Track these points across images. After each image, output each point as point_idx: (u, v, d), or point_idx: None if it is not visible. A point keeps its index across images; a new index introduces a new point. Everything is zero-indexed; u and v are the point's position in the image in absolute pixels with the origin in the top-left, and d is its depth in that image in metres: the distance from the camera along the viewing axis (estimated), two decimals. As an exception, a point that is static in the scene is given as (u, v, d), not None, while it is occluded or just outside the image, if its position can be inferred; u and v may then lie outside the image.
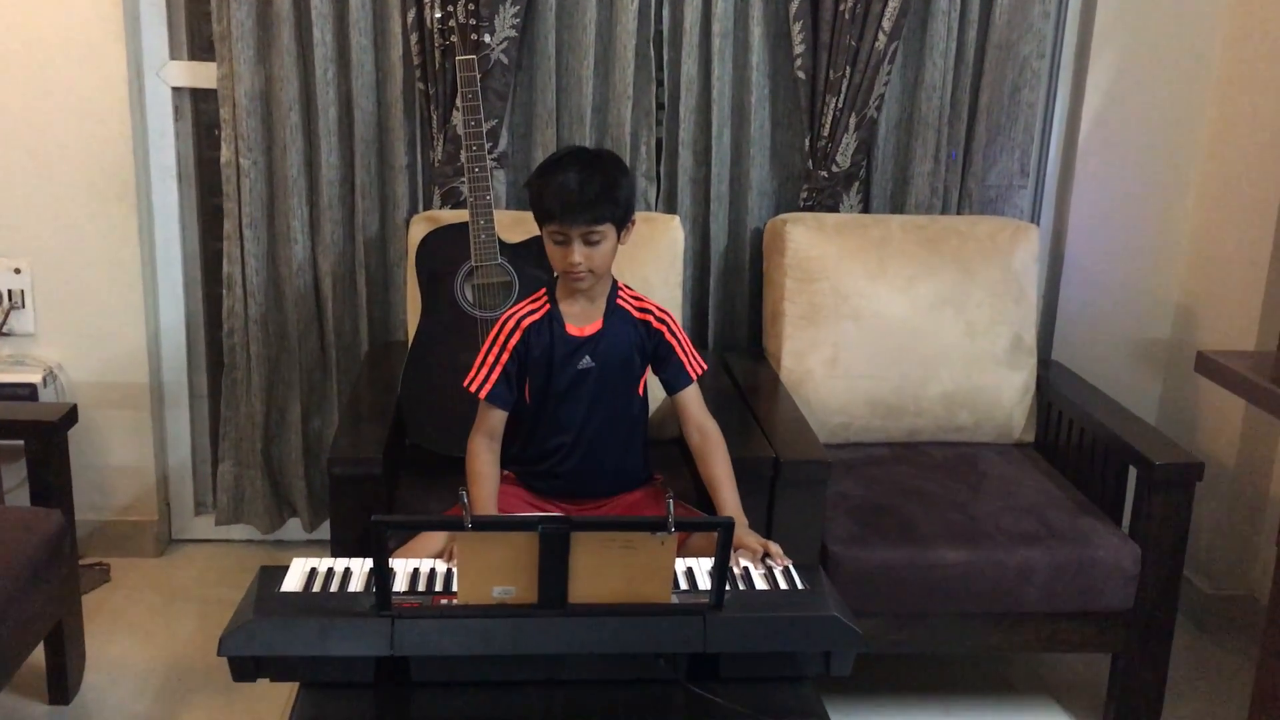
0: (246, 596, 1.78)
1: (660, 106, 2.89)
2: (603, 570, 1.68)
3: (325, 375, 3.01)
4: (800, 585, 1.87)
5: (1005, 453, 2.75)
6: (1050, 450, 2.78)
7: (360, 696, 1.71)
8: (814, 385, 2.70)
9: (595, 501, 2.22)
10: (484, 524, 1.63)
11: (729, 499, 2.10)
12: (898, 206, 2.99)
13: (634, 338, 2.19)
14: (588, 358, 2.16)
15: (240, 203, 2.86)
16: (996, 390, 2.75)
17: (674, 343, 2.20)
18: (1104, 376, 2.96)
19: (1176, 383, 3.08)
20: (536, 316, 2.16)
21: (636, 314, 2.20)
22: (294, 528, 3.16)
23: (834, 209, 2.92)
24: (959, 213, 2.98)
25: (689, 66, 2.83)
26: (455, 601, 1.71)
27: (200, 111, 2.99)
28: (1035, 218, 3.07)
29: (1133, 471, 2.42)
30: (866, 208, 2.97)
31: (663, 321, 2.20)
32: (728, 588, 1.83)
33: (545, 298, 2.18)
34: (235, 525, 3.12)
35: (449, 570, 1.87)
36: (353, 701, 1.70)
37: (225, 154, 2.84)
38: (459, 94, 2.71)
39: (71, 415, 2.35)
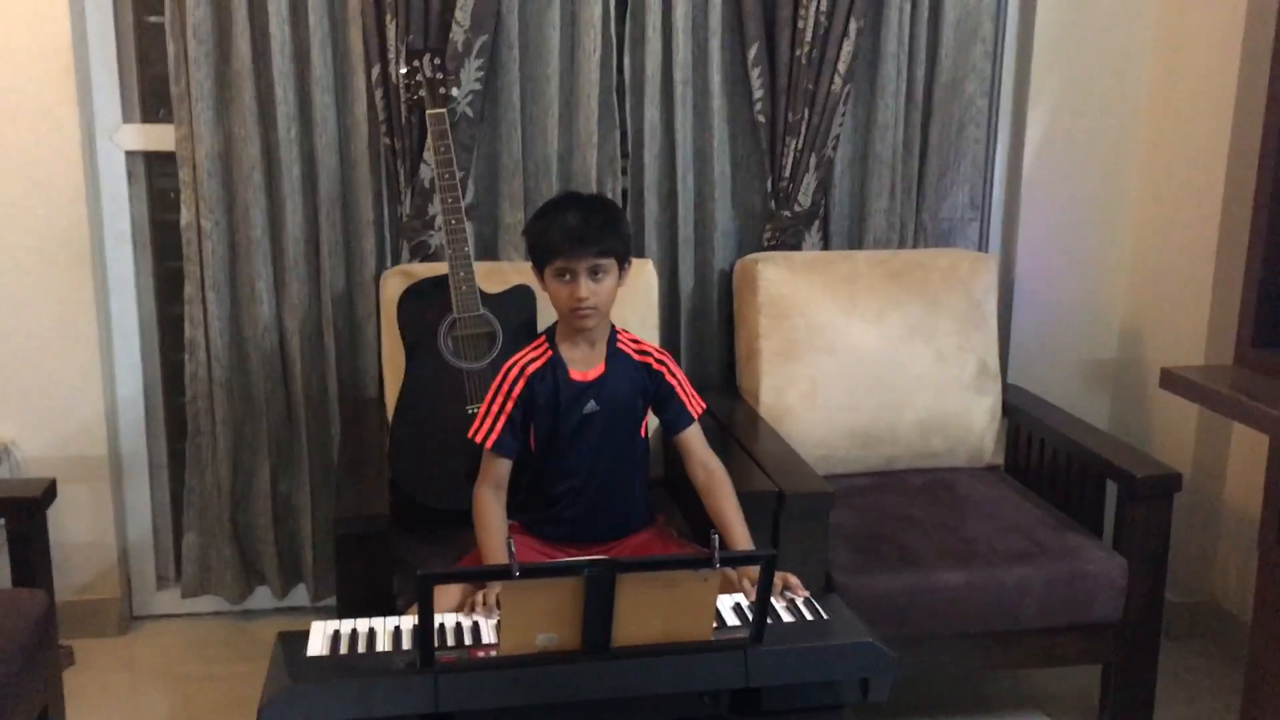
0: (273, 665, 1.73)
1: (624, 154, 2.93)
2: (645, 611, 1.68)
3: (293, 437, 2.95)
4: (825, 615, 1.90)
5: (979, 476, 2.82)
6: (1020, 471, 2.87)
7: (404, 757, 1.67)
8: (794, 419, 2.74)
9: (602, 545, 2.22)
10: (530, 571, 1.62)
11: (740, 534, 2.11)
12: (855, 242, 3.07)
13: (636, 380, 2.21)
14: (592, 402, 2.16)
15: (202, 265, 2.80)
16: (967, 415, 2.83)
17: (674, 383, 2.22)
18: (1057, 396, 3.06)
19: (1125, 399, 3.21)
20: (539, 363, 2.16)
21: (636, 356, 2.22)
22: (262, 596, 3.08)
23: (797, 247, 2.98)
24: (914, 246, 3.07)
25: (651, 113, 2.88)
26: (498, 652, 1.69)
27: (154, 175, 2.93)
28: (984, 247, 3.18)
29: (1110, 486, 2.51)
30: (826, 244, 3.04)
31: (662, 363, 2.23)
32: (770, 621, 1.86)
33: (545, 344, 2.19)
34: (201, 597, 3.03)
35: (474, 624, 1.85)
36: (397, 762, 1.66)
37: (185, 216, 2.79)
38: (427, 147, 2.72)
39: (52, 490, 2.26)
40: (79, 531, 2.92)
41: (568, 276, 2.09)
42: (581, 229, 2.07)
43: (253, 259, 2.81)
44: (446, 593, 2.05)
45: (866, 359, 2.77)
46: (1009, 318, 3.17)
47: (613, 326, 2.22)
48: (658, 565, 1.67)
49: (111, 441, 2.93)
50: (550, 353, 2.17)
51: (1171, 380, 2.51)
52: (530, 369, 2.16)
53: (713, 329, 3.02)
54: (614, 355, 2.20)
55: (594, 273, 2.09)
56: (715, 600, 1.72)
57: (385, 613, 2.09)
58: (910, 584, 2.32)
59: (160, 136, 2.85)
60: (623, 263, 2.14)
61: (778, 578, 1.97)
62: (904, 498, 2.66)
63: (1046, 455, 2.75)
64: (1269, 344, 2.49)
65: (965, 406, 2.82)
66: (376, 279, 2.85)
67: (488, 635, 1.82)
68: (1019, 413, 2.88)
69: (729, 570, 1.97)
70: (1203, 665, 2.87)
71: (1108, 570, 2.38)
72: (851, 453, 2.78)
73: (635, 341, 2.24)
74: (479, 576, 1.86)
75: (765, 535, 2.25)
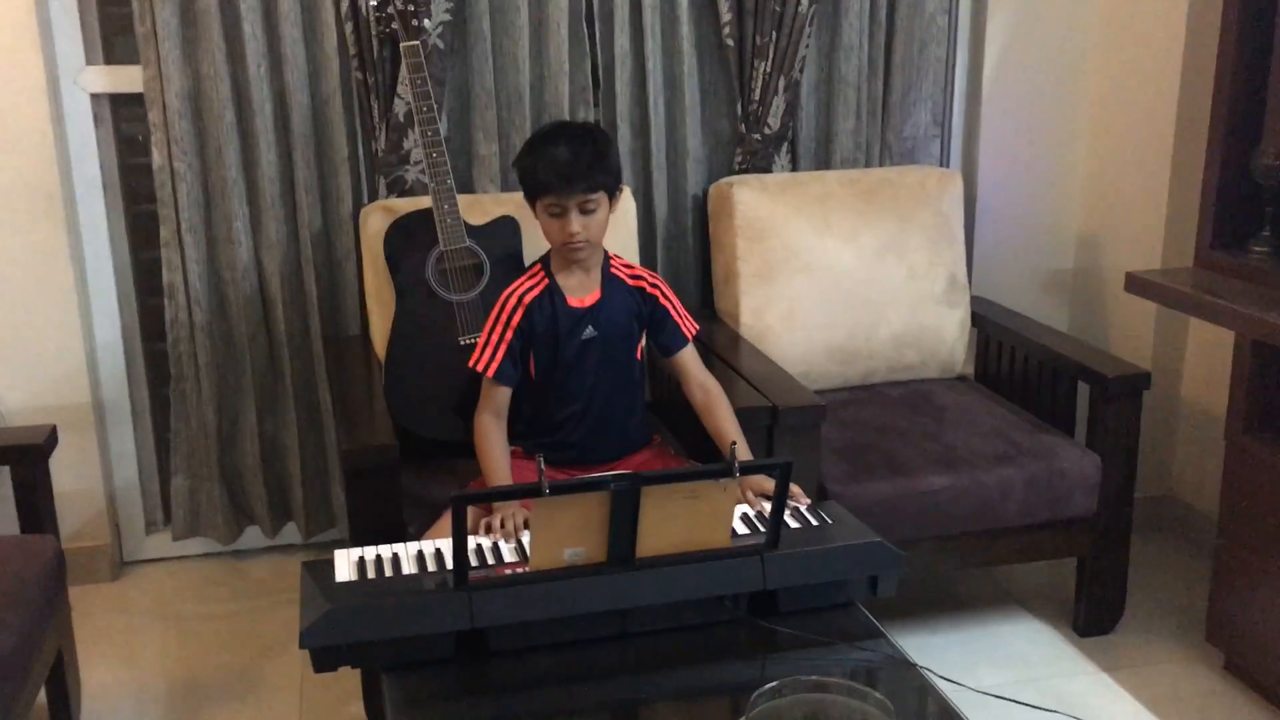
0: (305, 592, 1.78)
1: (596, 83, 2.94)
2: (668, 522, 1.75)
3: (277, 377, 2.96)
4: (828, 520, 1.98)
5: (952, 385, 2.93)
6: (990, 379, 2.98)
7: (443, 673, 1.73)
8: (774, 339, 2.81)
9: (604, 466, 2.28)
10: (560, 488, 1.67)
11: (743, 449, 2.18)
12: (822, 163, 3.12)
13: (631, 304, 2.25)
14: (590, 328, 2.21)
15: (177, 208, 2.78)
16: (939, 328, 2.92)
17: (668, 306, 2.28)
18: (1019, 306, 3.16)
19: (1083, 305, 3.32)
20: (536, 292, 2.20)
21: (630, 281, 2.27)
22: (252, 536, 3.10)
23: (767, 170, 3.03)
24: (880, 165, 3.14)
25: (621, 41, 2.89)
26: (528, 568, 1.75)
27: (120, 118, 2.89)
28: (945, 164, 3.26)
29: (1082, 387, 2.62)
30: (795, 166, 3.09)
31: (655, 287, 2.28)
32: (762, 529, 1.94)
33: (542, 273, 2.23)
34: (191, 540, 3.05)
35: (494, 545, 1.91)
36: (437, 678, 1.72)
37: (157, 159, 2.76)
38: (400, 80, 2.72)
39: (53, 437, 2.26)
40: (66, 480, 2.90)
41: (559, 212, 2.12)
42: (570, 165, 2.09)
43: (228, 200, 2.79)
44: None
45: (842, 277, 2.84)
46: (971, 232, 3.26)
47: (605, 252, 2.26)
48: (681, 477, 1.73)
49: (94, 388, 2.92)
50: (547, 281, 2.21)
51: (1137, 283, 2.62)
52: (528, 298, 2.20)
53: (688, 253, 3.06)
54: (609, 281, 2.24)
55: (584, 208, 2.12)
56: (734, 508, 1.79)
57: (396, 540, 2.15)
58: (899, 489, 2.41)
59: (126, 78, 2.81)
60: (613, 194, 2.17)
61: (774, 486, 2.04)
62: (884, 409, 2.76)
63: (1017, 362, 2.86)
64: (1226, 246, 2.61)
65: (937, 320, 2.91)
66: (354, 216, 2.85)
67: (508, 555, 1.88)
68: (987, 323, 2.98)
69: (762, 480, 2.04)
70: (1166, 555, 3.03)
71: (1082, 467, 2.50)
72: (830, 369, 2.86)
73: (628, 266, 2.29)
74: (511, 495, 1.91)
75: (760, 449, 2.32)
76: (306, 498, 3.03)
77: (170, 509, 3.04)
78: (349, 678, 2.42)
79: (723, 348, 2.73)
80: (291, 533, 3.11)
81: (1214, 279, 2.54)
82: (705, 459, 2.34)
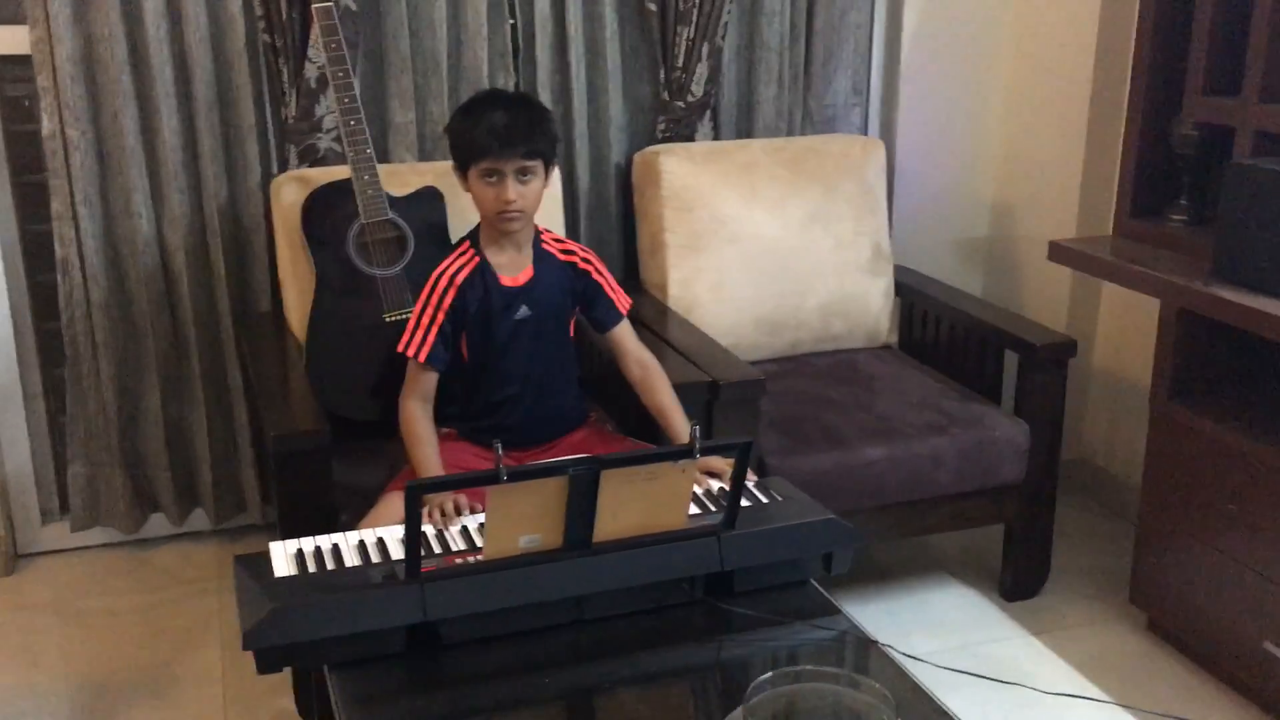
0: (242, 589, 1.69)
1: (515, 49, 2.85)
2: (625, 505, 1.70)
3: (182, 357, 2.81)
4: (777, 496, 1.96)
5: (877, 355, 2.93)
6: (914, 348, 2.99)
7: (393, 668, 1.66)
8: (702, 310, 2.77)
9: (541, 447, 2.22)
10: (517, 474, 1.61)
11: (681, 425, 2.15)
12: (744, 132, 3.09)
13: (564, 280, 2.19)
14: (525, 307, 2.14)
15: (70, 178, 2.61)
16: (864, 297, 2.92)
17: (601, 281, 2.22)
18: (935, 274, 3.18)
19: (996, 274, 3.37)
20: (468, 271, 2.12)
21: (561, 256, 2.20)
22: (157, 524, 2.96)
23: (690, 138, 2.98)
24: (802, 133, 3.12)
25: (541, 5, 2.80)
26: (482, 556, 1.69)
27: (3, 78, 2.69)
28: (864, 133, 3.25)
29: (1009, 355, 2.65)
30: (717, 135, 3.05)
31: (587, 261, 2.21)
32: (712, 508, 1.91)
33: (471, 250, 2.14)
34: (90, 530, 2.89)
35: (439, 533, 1.84)
36: (387, 674, 1.65)
37: (47, 126, 2.58)
38: (312, 43, 2.59)
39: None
40: (-49, 470, 2.74)
41: (494, 178, 2.04)
42: (509, 129, 2.02)
43: (126, 170, 2.63)
44: (390, 505, 2.03)
45: (769, 248, 2.81)
46: (891, 201, 3.27)
47: (536, 227, 2.19)
48: (640, 460, 1.68)
49: (-19, 372, 2.73)
50: (477, 259, 2.13)
51: (1059, 252, 2.66)
52: (460, 277, 2.11)
53: (611, 223, 3.00)
54: (540, 257, 2.17)
55: (521, 174, 2.04)
56: (691, 490, 1.75)
57: (328, 529, 2.07)
58: (837, 462, 2.41)
59: (10, 38, 2.61)
60: (549, 164, 2.10)
61: (721, 464, 2.02)
62: (813, 380, 2.75)
63: (942, 331, 2.87)
64: (1143, 214, 2.66)
65: (863, 289, 2.91)
66: (264, 187, 2.71)
67: (455, 543, 1.81)
68: (910, 291, 3.00)
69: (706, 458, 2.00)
70: (1082, 519, 3.09)
71: (1012, 435, 2.53)
72: (759, 339, 2.84)
73: (558, 240, 2.22)
74: (468, 483, 1.84)
75: (699, 424, 2.28)
76: (216, 482, 2.89)
77: (67, 498, 2.88)
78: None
79: (652, 320, 2.68)
80: (199, 519, 2.97)
81: (1133, 247, 2.59)
82: (640, 434, 2.30)
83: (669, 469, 1.70)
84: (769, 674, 1.25)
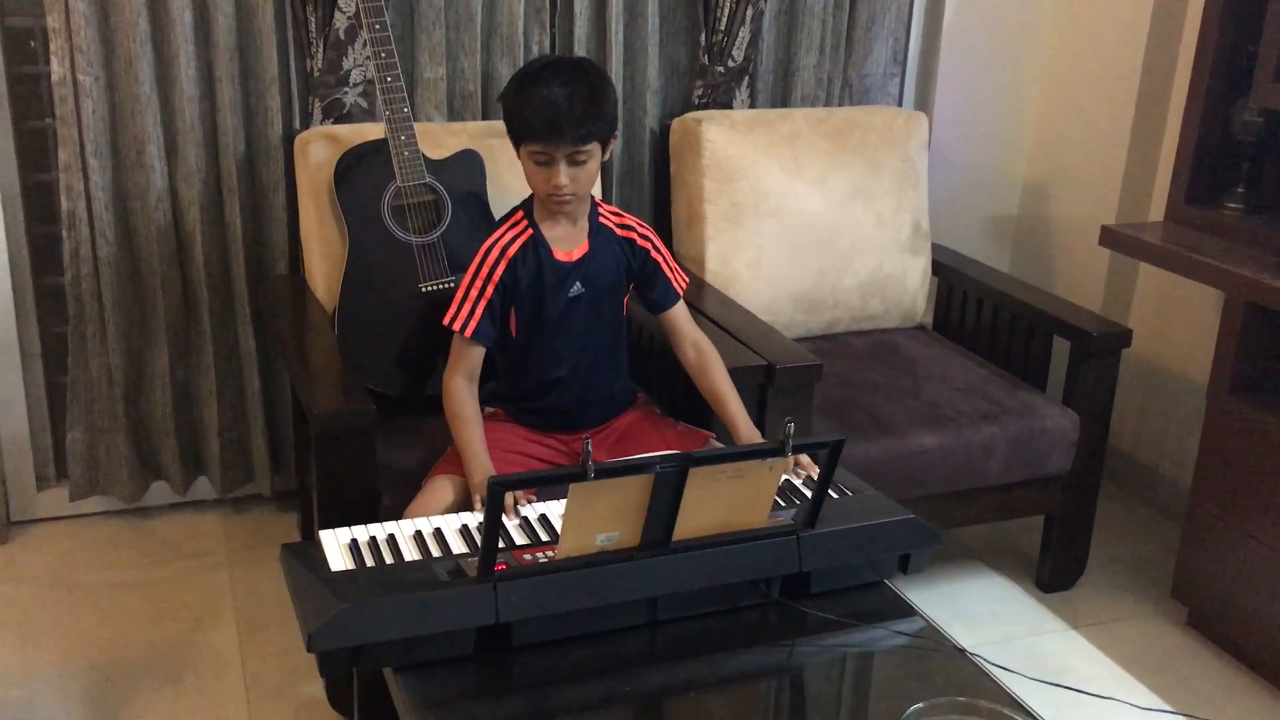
0: (298, 583, 1.58)
1: (553, 4, 2.71)
2: (707, 503, 1.61)
3: (193, 319, 2.67)
4: (848, 491, 1.88)
5: (914, 336, 2.85)
6: (950, 330, 2.91)
7: (461, 670, 1.56)
8: (740, 286, 2.67)
9: (590, 430, 2.11)
10: (605, 471, 1.51)
11: (738, 412, 2.05)
12: (780, 100, 2.98)
13: (620, 257, 2.07)
14: (578, 284, 2.02)
15: (80, 127, 2.45)
16: (903, 277, 2.84)
17: (660, 260, 2.11)
18: (966, 252, 3.10)
19: (1025, 255, 3.30)
20: (520, 243, 2.00)
21: (619, 231, 2.08)
22: (159, 492, 2.82)
23: (728, 105, 2.87)
24: (840, 103, 3.01)
25: (582, -41, 2.67)
26: (557, 554, 1.59)
27: (5, 12, 2.51)
28: (899, 104, 3.15)
29: (1057, 342, 2.58)
30: (753, 102, 2.94)
31: (646, 238, 2.10)
32: (783, 504, 1.82)
33: (525, 222, 2.02)
34: (90, 498, 2.75)
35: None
36: (456, 676, 1.55)
37: (57, 70, 2.41)
38: (345, -7, 2.44)
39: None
40: (-56, 433, 2.58)
41: (545, 160, 1.91)
42: (561, 113, 1.87)
43: (140, 120, 2.47)
44: (440, 492, 1.92)
45: (810, 223, 2.71)
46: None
47: (593, 199, 2.07)
48: (730, 458, 1.59)
49: (-23, 330, 2.58)
50: (531, 231, 2.01)
51: (1113, 237, 2.58)
52: (511, 250, 1.99)
53: (643, 191, 2.89)
54: (596, 232, 2.05)
55: (574, 159, 1.91)
56: (776, 488, 1.66)
57: (371, 512, 1.96)
58: (889, 450, 2.33)
59: (15, -27, 2.44)
60: (606, 142, 1.97)
61: (809, 461, 1.93)
62: (854, 362, 2.66)
63: (984, 314, 2.79)
64: (1197, 200, 2.59)
65: (902, 268, 2.83)
66: (285, 142, 2.57)
67: (519, 537, 1.70)
68: (948, 271, 2.91)
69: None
70: (1112, 507, 3.04)
71: (1062, 425, 2.47)
72: (796, 318, 2.75)
73: (616, 214, 2.10)
74: (553, 480, 1.73)
75: (751, 410, 2.19)
76: (223, 450, 2.76)
77: (65, 463, 2.73)
78: (298, 654, 2.21)
79: (690, 296, 2.55)
80: (204, 488, 2.84)
81: (1187, 234, 2.52)
82: (688, 417, 2.20)
83: (756, 467, 1.61)
84: (920, 704, 1.17)
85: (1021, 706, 1.20)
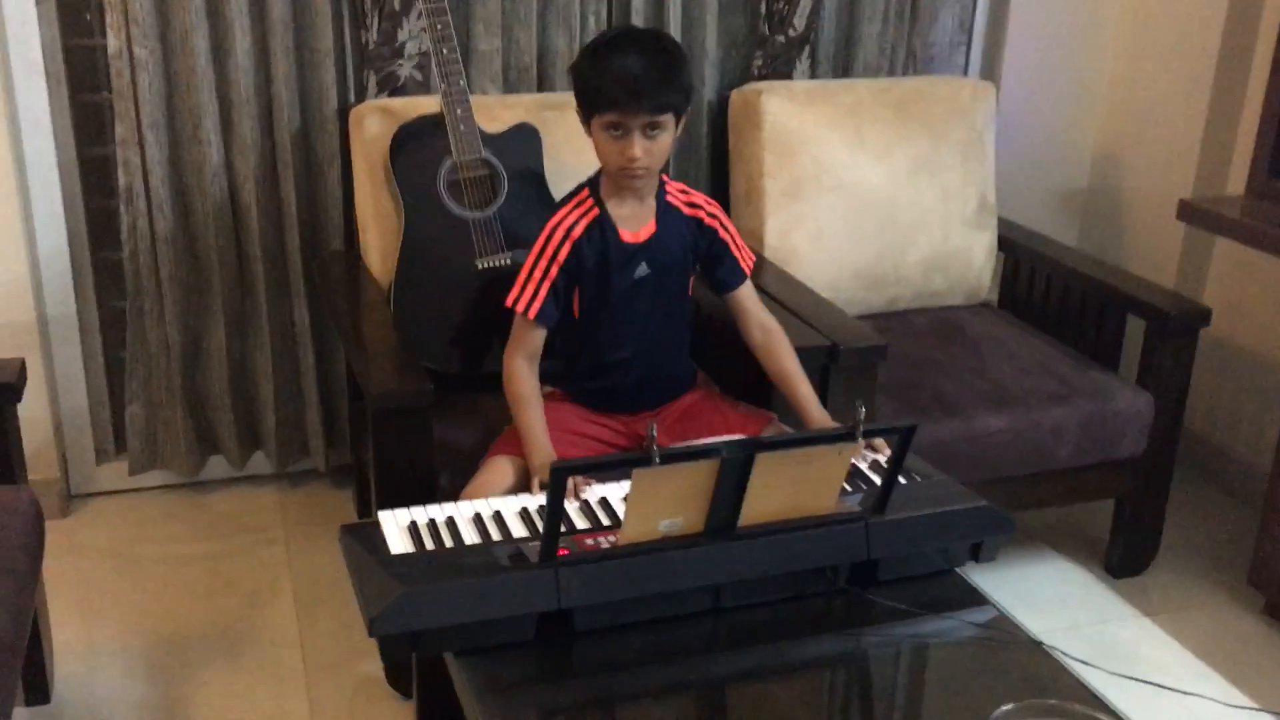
0: (357, 565, 1.56)
1: (610, -28, 2.66)
2: (774, 489, 1.57)
3: (249, 294, 2.66)
4: (917, 477, 1.82)
5: (978, 313, 2.78)
6: (1016, 307, 2.84)
7: (522, 655, 1.54)
8: (800, 262, 2.61)
9: (651, 412, 2.07)
10: (671, 456, 1.47)
11: (808, 395, 2.00)
12: (841, 70, 2.90)
13: (687, 237, 2.02)
14: (644, 265, 1.97)
15: (137, 101, 2.43)
16: (968, 252, 2.76)
17: (727, 239, 2.05)
18: (1033, 226, 3.02)
19: (1094, 229, 3.20)
20: (585, 223, 1.95)
21: (687, 210, 2.02)
22: (216, 466, 2.83)
23: (788, 75, 2.80)
24: (905, 73, 2.93)
25: (639, -74, 2.61)
26: (619, 540, 1.55)
27: (62, -10, 2.50)
28: (965, 74, 3.07)
29: (1130, 320, 2.50)
30: (814, 73, 2.87)
31: (714, 217, 2.04)
32: (849, 489, 1.77)
33: (590, 200, 1.97)
34: (149, 472, 2.76)
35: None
36: (517, 661, 1.53)
37: (114, 43, 2.40)
38: (399, -38, 2.40)
39: (23, 373, 1.96)
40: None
41: (619, 131, 1.86)
42: (639, 81, 1.81)
43: (196, 93, 2.45)
44: (498, 473, 1.89)
45: (873, 197, 2.65)
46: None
47: (661, 176, 2.01)
48: (799, 443, 1.54)
49: (38, 303, 2.58)
50: (596, 210, 1.95)
51: (1190, 211, 2.49)
52: (577, 230, 1.94)
53: (700, 164, 2.83)
54: (665, 211, 1.99)
55: (649, 129, 1.86)
56: (845, 473, 1.61)
57: (428, 492, 1.94)
58: (956, 432, 2.27)
59: (70, -55, 2.42)
60: (681, 115, 1.91)
61: (881, 446, 1.87)
62: (917, 340, 2.60)
63: (1053, 291, 2.71)
64: (1278, 174, 2.49)
65: (967, 243, 2.75)
66: (340, 115, 2.54)
67: (580, 522, 1.67)
68: (1015, 247, 2.83)
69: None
70: (1183, 492, 2.94)
71: (1136, 407, 2.39)
72: (857, 295, 2.68)
73: (684, 192, 2.04)
74: (617, 465, 1.69)
75: (814, 389, 2.14)
76: (279, 425, 2.76)
77: (124, 437, 2.74)
78: (356, 632, 2.21)
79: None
80: (260, 463, 2.84)
81: (1270, 208, 2.42)
82: (748, 396, 2.15)
83: (825, 452, 1.56)
84: (1008, 705, 1.12)
85: (1110, 708, 1.15)
